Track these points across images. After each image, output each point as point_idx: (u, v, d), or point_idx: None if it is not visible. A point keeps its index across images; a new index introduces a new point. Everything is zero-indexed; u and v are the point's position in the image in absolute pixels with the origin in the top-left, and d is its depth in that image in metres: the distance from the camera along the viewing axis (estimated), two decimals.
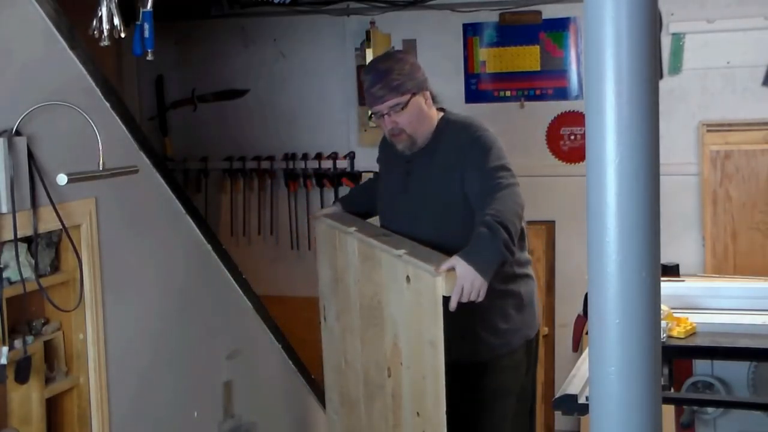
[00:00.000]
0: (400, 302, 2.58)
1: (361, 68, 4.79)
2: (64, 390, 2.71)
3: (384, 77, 2.84)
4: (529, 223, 3.03)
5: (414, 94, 2.86)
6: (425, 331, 2.43)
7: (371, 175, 3.52)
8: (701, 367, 2.77)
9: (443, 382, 2.36)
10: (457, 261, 2.46)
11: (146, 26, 2.81)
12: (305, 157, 5.11)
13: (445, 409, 2.37)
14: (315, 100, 5.11)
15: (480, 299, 2.48)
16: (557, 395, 2.30)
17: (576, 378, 2.36)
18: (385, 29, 4.84)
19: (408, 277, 2.51)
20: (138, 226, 2.99)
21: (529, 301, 2.94)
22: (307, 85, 5.09)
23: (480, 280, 2.46)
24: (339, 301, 3.04)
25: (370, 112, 2.98)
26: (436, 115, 2.95)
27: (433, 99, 2.97)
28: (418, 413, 2.53)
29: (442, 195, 2.84)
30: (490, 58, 4.79)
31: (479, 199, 2.72)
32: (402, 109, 2.84)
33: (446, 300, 2.40)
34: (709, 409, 2.82)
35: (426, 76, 2.94)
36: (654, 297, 1.00)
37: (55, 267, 2.67)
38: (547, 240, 4.62)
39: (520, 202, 2.72)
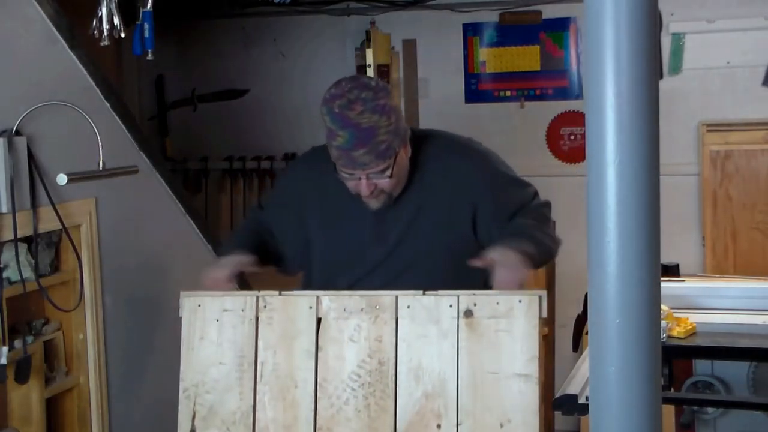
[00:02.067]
0: (443, 346, 2.21)
1: (361, 69, 4.75)
2: (64, 390, 2.71)
3: (370, 139, 2.18)
4: None
5: (398, 151, 2.24)
6: (507, 365, 2.16)
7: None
8: (701, 367, 2.77)
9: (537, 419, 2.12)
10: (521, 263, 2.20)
11: (146, 26, 2.82)
12: None
13: None
14: (315, 100, 5.05)
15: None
16: (557, 395, 2.29)
17: (576, 378, 2.36)
18: (385, 29, 4.84)
19: (469, 310, 2.18)
20: (138, 226, 2.99)
21: None
22: (307, 85, 5.07)
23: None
24: (257, 390, 2.30)
25: (339, 169, 2.29)
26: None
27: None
28: None
29: (446, 238, 2.37)
30: (490, 58, 4.79)
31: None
32: (390, 175, 2.23)
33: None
34: (709, 409, 2.82)
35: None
36: (654, 297, 0.99)
37: (55, 267, 2.67)
38: None
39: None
